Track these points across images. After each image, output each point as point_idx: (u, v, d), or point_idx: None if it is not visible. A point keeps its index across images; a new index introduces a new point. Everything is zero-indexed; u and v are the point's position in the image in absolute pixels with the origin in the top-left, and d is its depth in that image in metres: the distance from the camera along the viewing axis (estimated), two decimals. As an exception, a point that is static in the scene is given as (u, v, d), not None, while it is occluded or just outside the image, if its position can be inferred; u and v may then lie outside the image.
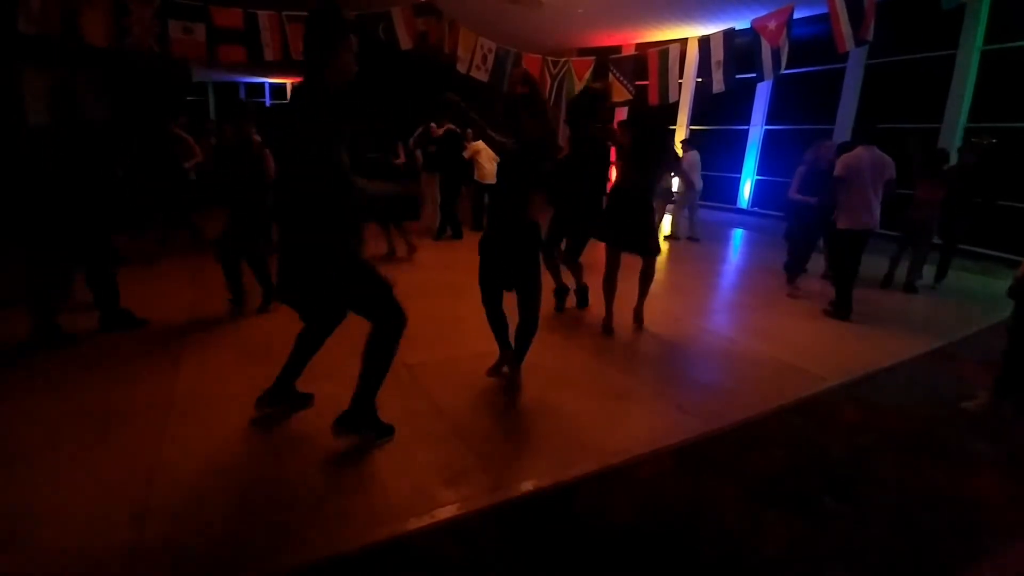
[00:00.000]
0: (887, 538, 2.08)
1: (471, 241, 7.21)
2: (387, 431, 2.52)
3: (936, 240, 6.20)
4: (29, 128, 3.43)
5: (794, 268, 5.66)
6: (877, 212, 4.66)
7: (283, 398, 2.71)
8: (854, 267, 4.80)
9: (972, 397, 3.25)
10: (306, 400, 2.80)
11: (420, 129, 7.78)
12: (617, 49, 12.47)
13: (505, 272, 2.96)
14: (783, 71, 5.99)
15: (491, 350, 3.33)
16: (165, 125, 6.54)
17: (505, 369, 3.26)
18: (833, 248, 4.86)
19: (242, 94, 22.09)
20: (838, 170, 4.64)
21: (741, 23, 6.42)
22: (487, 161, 7.38)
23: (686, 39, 6.65)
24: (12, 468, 2.21)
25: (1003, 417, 3.10)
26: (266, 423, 2.63)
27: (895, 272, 6.09)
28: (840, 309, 4.81)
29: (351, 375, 2.95)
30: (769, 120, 11.76)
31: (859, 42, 5.36)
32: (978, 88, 8.53)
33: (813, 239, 5.64)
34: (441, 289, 5.22)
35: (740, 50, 6.06)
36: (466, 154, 7.69)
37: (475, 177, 7.74)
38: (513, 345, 3.15)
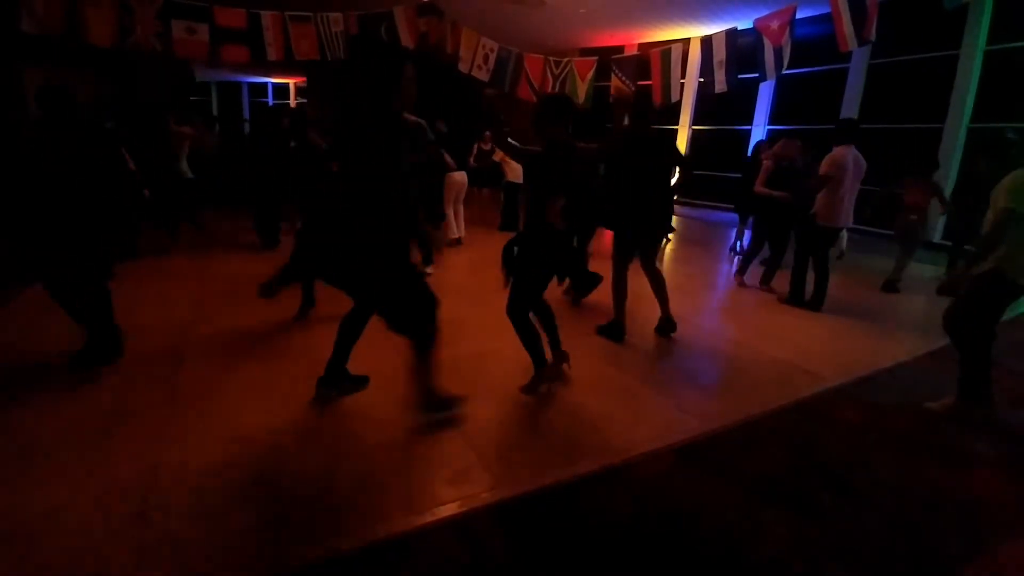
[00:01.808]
0: (887, 538, 2.08)
1: (472, 242, 7.26)
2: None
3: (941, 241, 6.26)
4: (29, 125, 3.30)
5: (769, 267, 5.76)
6: (852, 210, 4.92)
7: (338, 380, 2.89)
8: (825, 262, 5.02)
9: (938, 397, 3.22)
10: (361, 382, 3.00)
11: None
12: (619, 49, 12.46)
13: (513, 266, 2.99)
14: (785, 71, 5.99)
15: (492, 349, 3.34)
16: (163, 122, 6.52)
17: (543, 388, 3.14)
18: (808, 243, 5.04)
19: (245, 94, 22.14)
20: (827, 168, 4.70)
21: (743, 23, 6.41)
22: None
23: (688, 39, 6.65)
24: (16, 467, 2.22)
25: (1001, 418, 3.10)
26: (263, 419, 2.65)
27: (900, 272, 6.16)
28: (795, 298, 5.12)
29: (355, 372, 2.98)
30: (772, 120, 11.74)
31: (862, 42, 5.35)
32: (981, 88, 8.50)
33: (785, 236, 5.66)
34: (441, 289, 5.23)
35: (742, 50, 6.06)
36: (496, 156, 7.76)
37: (507, 178, 7.83)
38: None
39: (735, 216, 7.84)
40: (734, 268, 6.09)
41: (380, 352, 3.19)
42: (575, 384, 3.23)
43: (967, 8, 8.15)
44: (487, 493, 2.19)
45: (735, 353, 3.95)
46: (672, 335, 4.13)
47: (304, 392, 2.92)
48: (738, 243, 7.78)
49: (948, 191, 6.98)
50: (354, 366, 2.92)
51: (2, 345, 3.43)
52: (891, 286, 6.00)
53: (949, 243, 6.42)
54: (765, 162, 5.50)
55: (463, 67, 6.83)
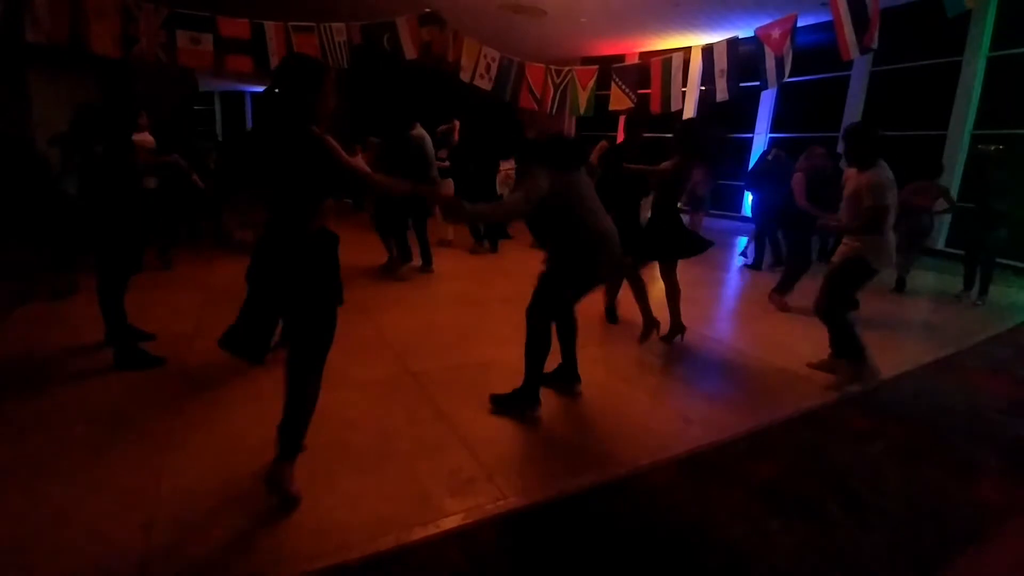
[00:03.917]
0: (892, 546, 2.06)
1: (475, 254, 7.26)
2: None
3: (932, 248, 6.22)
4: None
5: (792, 280, 5.39)
6: None
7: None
8: None
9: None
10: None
11: (443, 127, 7.81)
12: (620, 58, 12.53)
13: None
14: (787, 79, 6.00)
15: (497, 358, 3.32)
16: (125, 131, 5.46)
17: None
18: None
19: (248, 103, 22.30)
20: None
21: (745, 31, 6.43)
22: None
23: (689, 48, 6.67)
24: (20, 475, 2.21)
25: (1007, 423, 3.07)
26: (265, 428, 2.63)
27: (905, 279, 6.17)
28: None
29: (357, 381, 2.97)
30: (773, 128, 11.77)
31: (864, 50, 5.35)
32: (984, 95, 8.52)
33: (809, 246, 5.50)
34: (446, 298, 5.23)
35: (744, 58, 6.06)
36: (499, 177, 7.59)
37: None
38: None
39: (741, 224, 7.68)
40: (777, 287, 5.46)
41: (379, 361, 3.21)
42: (579, 396, 3.21)
43: (970, 15, 8.17)
44: (491, 504, 2.17)
45: (741, 362, 3.93)
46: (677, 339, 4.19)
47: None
48: (753, 253, 7.59)
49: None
50: (352, 376, 2.91)
51: (2, 356, 3.43)
52: (902, 284, 6.06)
53: (958, 251, 6.36)
54: (797, 174, 5.16)
55: (465, 76, 6.85)
